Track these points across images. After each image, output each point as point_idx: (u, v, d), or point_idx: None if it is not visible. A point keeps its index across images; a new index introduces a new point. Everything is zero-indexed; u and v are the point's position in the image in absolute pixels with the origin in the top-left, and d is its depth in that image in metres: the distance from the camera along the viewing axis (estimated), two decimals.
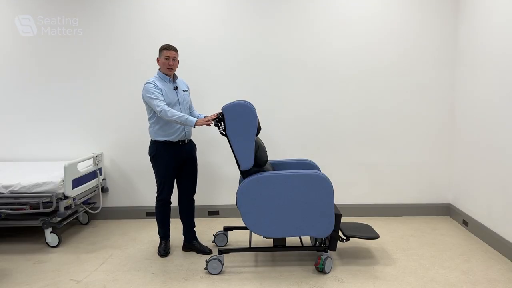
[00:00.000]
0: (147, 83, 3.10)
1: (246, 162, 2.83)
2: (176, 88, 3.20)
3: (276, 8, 4.06)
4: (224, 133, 2.89)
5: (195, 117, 3.29)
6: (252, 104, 2.94)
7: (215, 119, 2.92)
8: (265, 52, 4.11)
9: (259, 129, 2.98)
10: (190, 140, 3.35)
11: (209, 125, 3.00)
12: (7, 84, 4.18)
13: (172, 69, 3.16)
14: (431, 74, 4.10)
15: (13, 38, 4.11)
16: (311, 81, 4.14)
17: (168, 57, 3.12)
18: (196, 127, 3.02)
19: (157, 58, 3.20)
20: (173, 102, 3.14)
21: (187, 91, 3.32)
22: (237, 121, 2.80)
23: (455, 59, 4.07)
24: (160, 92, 3.07)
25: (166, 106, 3.02)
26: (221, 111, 2.88)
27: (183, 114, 3.00)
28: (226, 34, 4.10)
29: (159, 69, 3.21)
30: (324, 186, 2.82)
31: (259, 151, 2.91)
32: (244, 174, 2.92)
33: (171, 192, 3.27)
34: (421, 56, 4.08)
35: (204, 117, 3.13)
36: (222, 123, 2.88)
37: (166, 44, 3.17)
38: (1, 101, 4.19)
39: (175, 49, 3.17)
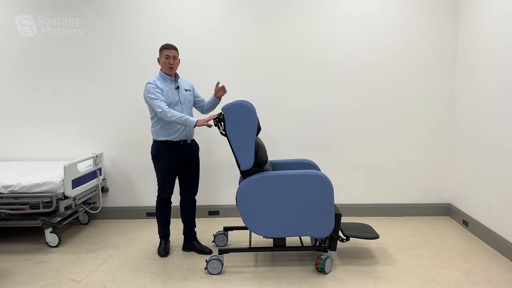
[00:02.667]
0: (148, 83, 3.10)
1: (246, 162, 2.83)
2: (178, 87, 3.20)
3: (276, 5, 4.06)
4: (224, 133, 2.89)
5: (206, 103, 3.38)
6: (252, 104, 2.94)
7: (215, 119, 2.92)
8: (265, 51, 4.11)
9: (259, 129, 2.98)
10: (193, 140, 3.34)
11: (209, 126, 3.00)
12: (7, 84, 4.18)
13: (172, 68, 3.15)
14: (431, 74, 4.10)
15: (13, 38, 4.11)
16: (311, 80, 4.14)
17: (168, 56, 3.12)
18: (196, 127, 3.02)
19: (158, 58, 3.20)
20: (175, 101, 3.14)
21: (189, 90, 3.31)
22: (237, 121, 2.80)
23: (455, 59, 4.07)
24: (161, 92, 3.06)
25: (166, 106, 3.01)
26: (221, 111, 2.88)
27: (183, 114, 3.00)
28: (226, 33, 4.10)
29: (160, 69, 3.21)
30: (324, 186, 2.82)
31: (259, 151, 2.91)
32: (244, 174, 2.93)
33: (171, 192, 3.27)
34: (421, 56, 4.08)
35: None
36: (222, 123, 2.88)
37: (166, 44, 3.17)
38: (1, 101, 4.20)
39: (175, 48, 3.17)
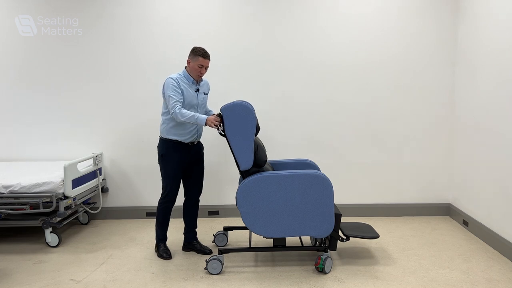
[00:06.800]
0: (170, 78, 3.04)
1: (245, 162, 2.83)
2: (198, 90, 3.16)
3: (276, 4, 4.06)
4: (223, 133, 2.88)
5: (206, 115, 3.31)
6: (251, 104, 2.93)
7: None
8: (265, 51, 4.11)
9: (258, 129, 2.98)
10: (199, 141, 3.33)
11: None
12: (7, 84, 4.18)
13: (201, 76, 3.13)
14: (431, 74, 4.10)
15: (13, 38, 4.11)
16: (311, 80, 4.14)
17: (202, 65, 3.07)
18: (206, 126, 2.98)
19: (188, 59, 3.10)
20: (192, 104, 3.10)
21: (207, 94, 3.29)
22: (236, 121, 2.80)
23: (455, 59, 4.07)
24: (180, 92, 3.02)
25: (179, 107, 2.95)
26: (220, 111, 2.87)
27: (193, 113, 2.95)
28: (226, 33, 4.10)
29: (185, 68, 3.14)
30: (324, 186, 2.82)
31: (258, 151, 2.90)
32: (244, 174, 2.92)
33: (177, 193, 3.24)
34: (421, 56, 4.08)
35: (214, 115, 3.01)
36: (221, 123, 2.87)
37: (203, 51, 3.06)
38: (1, 101, 4.19)
39: (210, 58, 3.11)
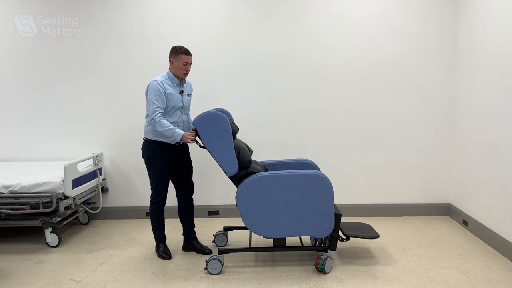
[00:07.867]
0: (154, 81, 3.04)
1: (231, 168, 2.83)
2: (182, 92, 3.17)
3: (275, 8, 4.05)
4: (202, 145, 2.89)
5: (187, 124, 3.32)
6: (224, 109, 2.97)
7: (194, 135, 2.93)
8: (264, 52, 4.11)
9: (235, 131, 2.98)
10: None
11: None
12: (7, 84, 4.18)
13: (187, 74, 3.14)
14: (431, 74, 4.10)
15: (13, 38, 4.11)
16: (310, 81, 4.14)
17: (186, 63, 3.08)
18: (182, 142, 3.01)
19: (171, 60, 3.11)
20: (177, 106, 3.11)
21: (190, 95, 3.30)
22: (210, 131, 2.81)
23: (455, 59, 4.07)
24: (164, 97, 3.02)
25: (159, 115, 2.97)
26: (192, 125, 2.88)
27: (171, 126, 2.97)
28: (225, 34, 4.10)
29: (169, 69, 3.15)
30: (324, 186, 2.82)
31: (240, 153, 2.90)
32: (234, 179, 2.92)
33: (166, 193, 3.25)
34: (421, 56, 4.08)
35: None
36: (198, 136, 2.89)
37: (185, 48, 3.09)
38: (1, 101, 4.20)
39: (191, 54, 3.13)
